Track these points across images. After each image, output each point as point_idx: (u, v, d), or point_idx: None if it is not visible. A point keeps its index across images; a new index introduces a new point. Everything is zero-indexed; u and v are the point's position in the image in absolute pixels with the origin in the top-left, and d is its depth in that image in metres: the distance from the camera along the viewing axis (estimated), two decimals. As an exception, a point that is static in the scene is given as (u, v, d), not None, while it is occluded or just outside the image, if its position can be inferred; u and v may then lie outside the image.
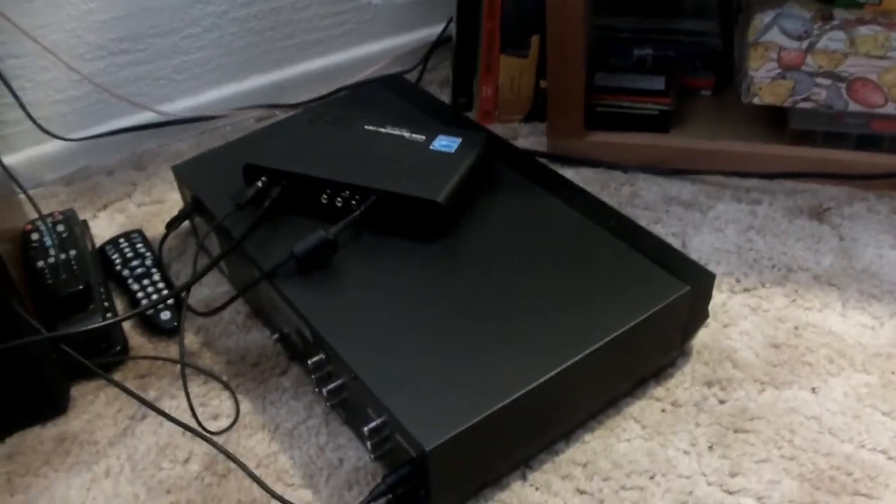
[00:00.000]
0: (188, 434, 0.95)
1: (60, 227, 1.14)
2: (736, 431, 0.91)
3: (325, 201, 1.01)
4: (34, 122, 1.34)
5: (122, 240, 1.20)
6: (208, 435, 0.93)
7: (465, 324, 0.88)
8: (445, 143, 1.04)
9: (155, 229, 1.26)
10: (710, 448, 0.90)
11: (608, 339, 0.85)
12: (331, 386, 0.89)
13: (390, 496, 0.81)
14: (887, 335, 1.01)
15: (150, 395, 1.00)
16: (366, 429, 0.82)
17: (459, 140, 1.05)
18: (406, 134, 1.06)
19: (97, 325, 1.01)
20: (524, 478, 0.88)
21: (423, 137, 1.05)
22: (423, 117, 1.20)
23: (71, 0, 1.31)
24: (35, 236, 1.12)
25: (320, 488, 0.89)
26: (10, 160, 1.31)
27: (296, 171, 1.01)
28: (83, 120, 1.41)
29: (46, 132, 1.36)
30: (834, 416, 0.92)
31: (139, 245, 1.19)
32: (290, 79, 1.55)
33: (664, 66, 1.36)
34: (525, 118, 1.43)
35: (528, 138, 1.39)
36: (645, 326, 0.88)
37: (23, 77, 1.32)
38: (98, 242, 1.22)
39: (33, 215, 1.19)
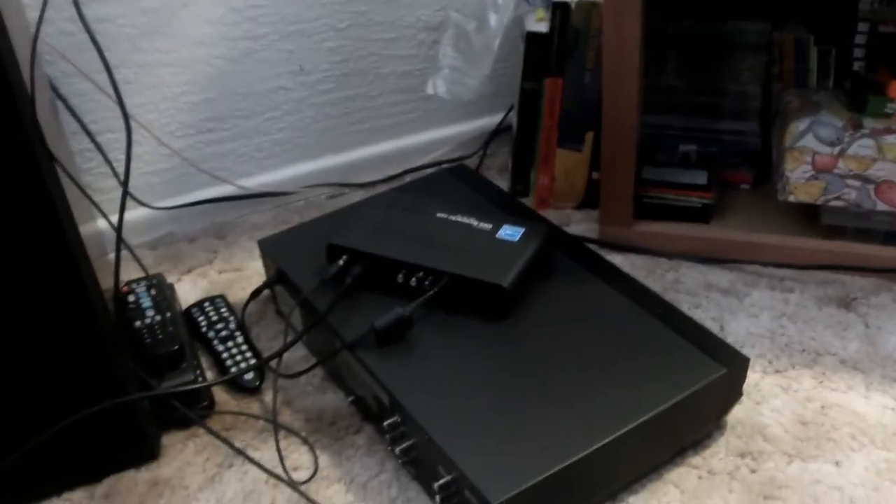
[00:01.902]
0: (270, 482, 1.05)
1: (153, 291, 1.25)
2: (765, 498, 0.99)
3: (400, 281, 1.11)
4: (129, 194, 1.45)
5: (206, 303, 1.30)
6: (294, 483, 1.03)
7: (526, 394, 0.97)
8: (510, 233, 1.14)
9: (234, 295, 1.36)
10: (742, 514, 0.99)
11: (653, 413, 0.94)
12: (404, 445, 0.99)
13: (458, 545, 0.90)
14: (906, 418, 1.10)
15: (235, 446, 1.10)
16: (436, 485, 0.92)
17: (522, 230, 1.14)
18: (474, 222, 1.16)
19: (200, 384, 1.12)
20: (575, 533, 0.97)
21: (490, 226, 1.15)
22: (488, 205, 1.30)
23: (167, 83, 1.43)
24: (132, 298, 1.23)
25: (392, 536, 0.99)
26: (102, 224, 1.40)
27: (375, 253, 1.12)
28: (169, 190, 1.52)
29: (136, 200, 1.47)
30: (855, 487, 1.00)
31: (223, 309, 1.29)
32: (360, 160, 1.65)
33: (707, 162, 1.45)
34: (578, 206, 1.52)
35: (581, 224, 1.48)
36: (685, 403, 0.97)
37: (118, 150, 1.43)
38: (182, 305, 1.32)
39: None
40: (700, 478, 1.03)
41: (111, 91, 1.06)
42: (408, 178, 1.63)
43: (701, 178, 1.41)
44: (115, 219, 1.45)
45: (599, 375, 1.00)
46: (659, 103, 1.49)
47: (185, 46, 1.42)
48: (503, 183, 1.59)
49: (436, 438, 0.92)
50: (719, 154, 1.48)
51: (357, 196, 1.59)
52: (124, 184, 1.02)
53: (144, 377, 1.07)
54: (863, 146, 1.27)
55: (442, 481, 0.92)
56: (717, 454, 1.05)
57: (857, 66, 1.39)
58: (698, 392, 0.98)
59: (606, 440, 0.91)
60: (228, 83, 1.48)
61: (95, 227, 1.36)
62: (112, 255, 1.39)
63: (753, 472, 1.03)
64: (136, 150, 1.46)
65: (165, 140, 1.47)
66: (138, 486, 1.06)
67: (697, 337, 1.04)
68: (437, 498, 0.93)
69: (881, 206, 1.30)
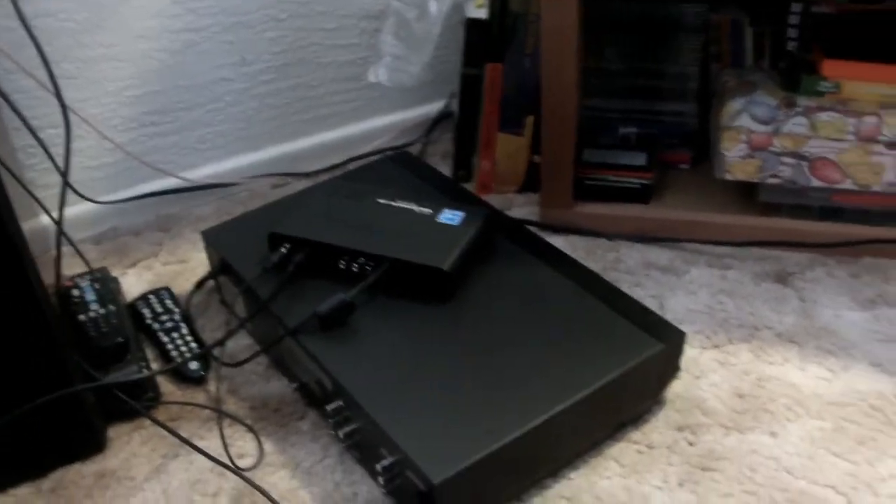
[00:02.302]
0: (216, 471, 1.05)
1: (97, 285, 1.25)
2: (704, 470, 1.02)
3: (342, 267, 1.12)
4: (69, 185, 1.44)
5: (151, 296, 1.30)
6: (239, 470, 1.04)
7: (467, 375, 0.99)
8: (450, 217, 1.15)
9: (180, 286, 1.36)
10: (681, 485, 1.00)
11: (592, 389, 0.96)
12: (347, 429, 1.00)
13: (402, 525, 0.92)
14: (840, 386, 1.12)
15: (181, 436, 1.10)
16: (379, 466, 0.93)
17: (463, 214, 1.16)
18: (415, 207, 1.17)
19: (145, 374, 1.12)
20: (517, 510, 0.99)
21: (431, 211, 1.17)
22: (430, 190, 1.31)
23: (109, 77, 1.42)
24: (76, 292, 1.23)
25: (337, 519, 1.00)
26: (45, 220, 1.40)
27: (317, 240, 1.12)
28: (113, 184, 1.52)
29: (79, 195, 1.45)
30: (790, 456, 1.03)
31: (168, 301, 1.29)
32: (303, 149, 1.66)
33: (646, 143, 1.47)
34: (519, 190, 1.54)
35: (523, 208, 1.50)
36: (624, 379, 0.99)
37: (60, 145, 1.41)
38: (127, 298, 1.32)
39: (63, 272, 1.29)
40: (640, 452, 1.05)
41: (51, 86, 1.06)
42: (351, 167, 1.63)
43: (640, 159, 1.43)
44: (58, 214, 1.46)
45: (539, 355, 1.01)
46: (598, 86, 1.51)
47: (127, 40, 1.42)
48: (446, 169, 1.61)
49: (378, 421, 0.93)
50: (658, 135, 1.50)
51: (301, 186, 1.59)
52: (64, 175, 1.02)
53: (88, 369, 1.07)
54: (797, 124, 1.29)
55: (385, 463, 0.93)
56: (657, 428, 1.07)
57: (790, 46, 1.41)
58: (636, 367, 1.00)
59: (545, 417, 0.93)
60: (170, 76, 1.48)
61: (39, 223, 1.36)
62: (53, 252, 1.39)
63: (692, 444, 1.05)
64: (78, 144, 1.45)
65: (108, 134, 1.47)
66: (85, 478, 1.06)
67: (635, 314, 1.06)
68: (381, 480, 0.94)
69: (816, 183, 1.32)
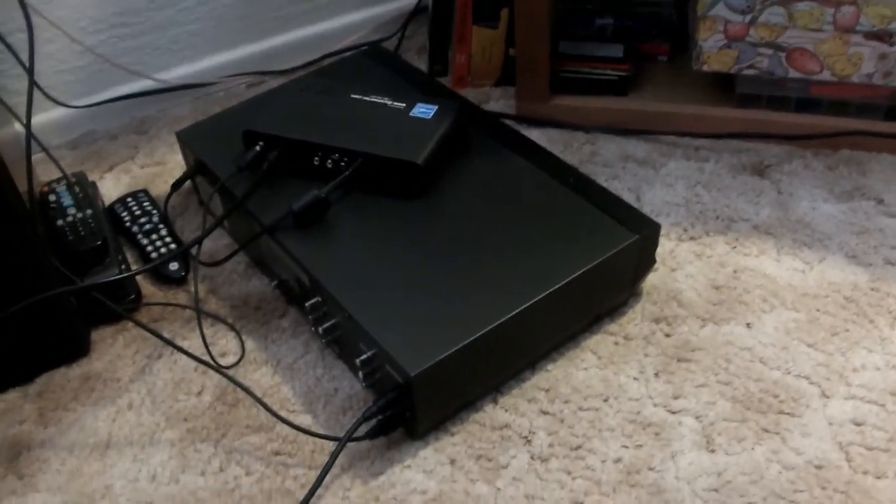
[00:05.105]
0: (200, 370, 1.07)
1: (75, 189, 1.24)
2: (679, 361, 1.03)
3: (316, 163, 1.12)
4: (41, 90, 1.43)
5: (129, 199, 1.30)
6: (221, 368, 1.05)
7: (442, 268, 0.99)
8: (423, 110, 1.15)
9: (158, 188, 1.36)
10: (657, 375, 1.02)
11: (566, 280, 0.97)
12: (326, 325, 1.01)
13: (380, 417, 0.93)
14: (815, 278, 1.13)
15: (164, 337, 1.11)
16: (358, 360, 0.94)
17: (436, 107, 1.15)
18: (388, 102, 1.16)
19: (124, 274, 1.12)
20: (495, 401, 1.00)
21: (404, 105, 1.16)
22: (403, 85, 1.30)
23: (74, -22, 1.40)
24: (52, 197, 1.22)
25: (318, 413, 1.01)
26: (19, 126, 1.39)
27: (290, 137, 1.12)
28: (86, 88, 1.50)
29: (52, 100, 1.44)
30: (765, 347, 1.04)
31: (146, 203, 1.29)
32: (277, 47, 1.63)
33: (623, 35, 1.45)
34: (496, 83, 1.52)
35: (499, 101, 1.49)
36: (599, 270, 1.00)
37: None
38: (106, 202, 1.32)
39: (40, 179, 1.29)
40: (616, 343, 1.06)
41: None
42: (326, 63, 1.61)
43: (617, 51, 1.42)
44: (34, 119, 1.44)
45: (513, 248, 1.02)
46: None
47: (93, -62, 1.39)
48: (422, 64, 1.59)
49: (355, 315, 0.94)
50: (636, 26, 1.48)
51: (277, 84, 1.57)
52: (30, 71, 1.01)
53: (66, 273, 1.07)
54: (773, 14, 1.27)
55: (363, 357, 0.94)
56: (633, 320, 1.08)
57: (768, -67, 1.40)
58: (610, 258, 1.00)
59: (520, 309, 0.94)
60: (139, -26, 1.46)
61: (13, 129, 1.35)
62: (33, 156, 1.38)
63: (668, 336, 1.06)
64: (48, 48, 1.43)
65: (77, 37, 1.44)
66: (70, 381, 1.07)
67: (610, 206, 1.06)
68: (360, 374, 0.95)
69: (793, 74, 1.31)
